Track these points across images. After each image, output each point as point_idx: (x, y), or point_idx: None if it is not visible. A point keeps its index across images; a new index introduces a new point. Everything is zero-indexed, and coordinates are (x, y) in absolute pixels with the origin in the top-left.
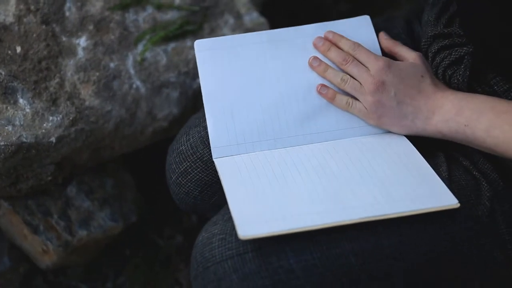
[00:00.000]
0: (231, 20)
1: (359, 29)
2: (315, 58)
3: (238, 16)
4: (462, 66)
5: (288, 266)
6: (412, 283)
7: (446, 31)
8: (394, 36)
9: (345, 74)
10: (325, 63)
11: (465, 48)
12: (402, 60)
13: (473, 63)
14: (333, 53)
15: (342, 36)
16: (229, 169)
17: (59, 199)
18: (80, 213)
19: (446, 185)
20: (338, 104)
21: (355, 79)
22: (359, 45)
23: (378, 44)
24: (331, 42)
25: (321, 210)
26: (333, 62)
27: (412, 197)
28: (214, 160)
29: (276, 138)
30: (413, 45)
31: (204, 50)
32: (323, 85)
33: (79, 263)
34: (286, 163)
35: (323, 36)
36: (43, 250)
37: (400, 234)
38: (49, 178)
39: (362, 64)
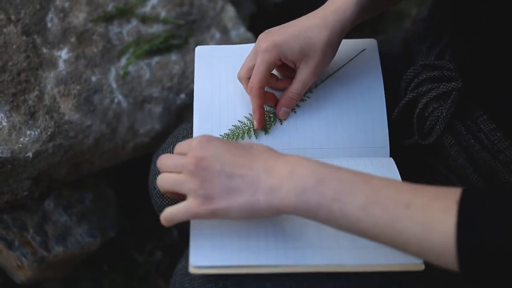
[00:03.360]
0: (217, 35)
1: (364, 51)
2: None
3: (224, 31)
4: (449, 101)
5: None
6: None
7: (436, 63)
8: (392, 59)
9: (160, 177)
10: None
11: (453, 83)
12: None
13: (460, 99)
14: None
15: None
16: None
17: (36, 213)
18: (57, 228)
19: None
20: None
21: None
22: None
23: (380, 69)
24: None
25: (280, 250)
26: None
27: (378, 249)
28: None
29: None
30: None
31: (204, 56)
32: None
33: (55, 278)
34: None
35: None
36: (18, 265)
37: (385, 275)
38: (25, 193)
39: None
